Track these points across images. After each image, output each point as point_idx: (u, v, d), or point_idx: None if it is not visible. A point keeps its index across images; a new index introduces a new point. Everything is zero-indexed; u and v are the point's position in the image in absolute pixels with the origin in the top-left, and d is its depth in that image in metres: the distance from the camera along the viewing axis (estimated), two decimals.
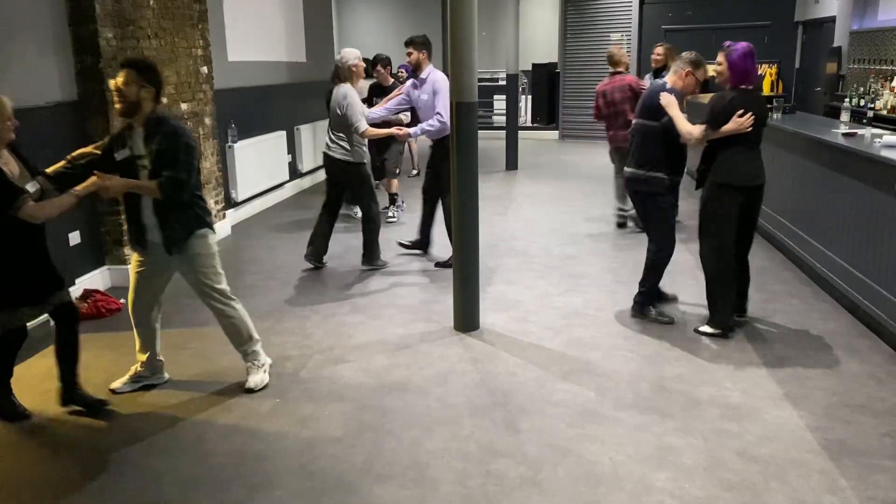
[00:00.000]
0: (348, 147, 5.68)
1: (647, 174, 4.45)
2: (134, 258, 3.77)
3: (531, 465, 3.10)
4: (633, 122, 4.61)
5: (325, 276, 5.84)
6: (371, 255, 5.95)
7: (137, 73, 3.45)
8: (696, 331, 4.47)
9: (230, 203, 7.60)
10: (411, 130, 5.90)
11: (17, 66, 4.62)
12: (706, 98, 4.58)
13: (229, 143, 7.59)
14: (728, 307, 4.41)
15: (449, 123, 4.85)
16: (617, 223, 7.22)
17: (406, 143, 8.92)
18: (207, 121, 6.85)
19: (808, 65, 12.39)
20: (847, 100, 8.87)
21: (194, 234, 3.64)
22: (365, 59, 7.42)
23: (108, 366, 4.17)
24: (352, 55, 5.73)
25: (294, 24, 9.54)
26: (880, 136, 5.03)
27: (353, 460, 3.16)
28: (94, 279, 5.39)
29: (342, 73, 5.69)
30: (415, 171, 10.69)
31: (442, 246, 6.29)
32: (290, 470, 3.10)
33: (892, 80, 8.61)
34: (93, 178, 3.42)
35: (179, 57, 6.32)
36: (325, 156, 5.84)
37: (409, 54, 5.85)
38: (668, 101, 4.30)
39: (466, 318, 4.64)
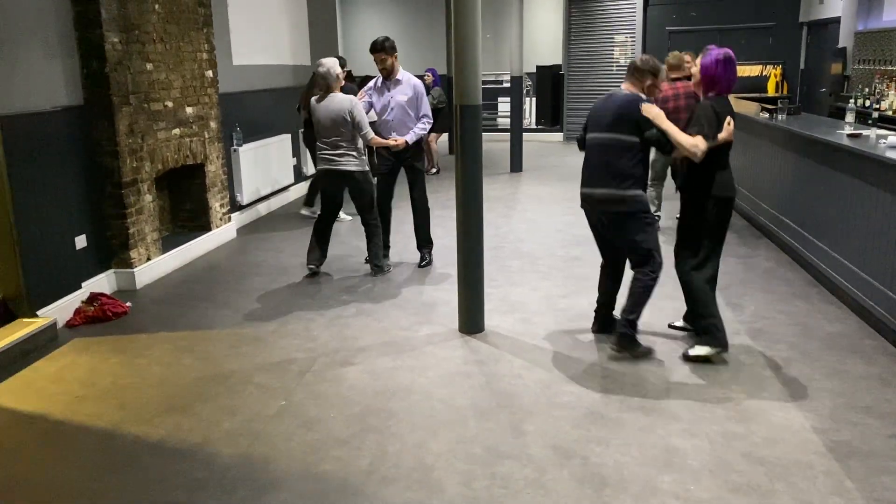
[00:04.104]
0: (357, 156, 5.63)
1: (630, 193, 4.02)
2: None
3: (536, 467, 3.10)
4: (599, 136, 4.08)
5: (330, 279, 5.85)
6: (375, 258, 5.93)
7: None
8: (688, 357, 4.12)
9: (235, 206, 7.62)
10: (407, 138, 5.76)
11: (23, 71, 4.65)
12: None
13: (234, 147, 7.62)
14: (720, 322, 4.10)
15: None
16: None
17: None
18: (213, 124, 6.88)
19: (812, 65, 12.37)
20: (852, 100, 8.85)
21: None
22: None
23: (114, 368, 4.20)
24: (336, 64, 5.63)
25: (298, 27, 9.57)
26: (885, 136, 5.01)
27: (358, 462, 3.17)
28: (101, 282, 5.41)
29: (329, 82, 5.53)
30: (434, 170, 10.88)
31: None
32: (295, 472, 3.11)
33: None
34: None
35: (184, 61, 6.34)
36: (332, 171, 5.64)
37: (384, 59, 5.75)
38: (657, 114, 3.95)
39: (471, 320, 4.64)
